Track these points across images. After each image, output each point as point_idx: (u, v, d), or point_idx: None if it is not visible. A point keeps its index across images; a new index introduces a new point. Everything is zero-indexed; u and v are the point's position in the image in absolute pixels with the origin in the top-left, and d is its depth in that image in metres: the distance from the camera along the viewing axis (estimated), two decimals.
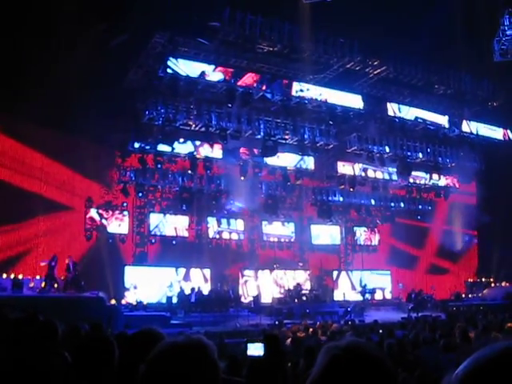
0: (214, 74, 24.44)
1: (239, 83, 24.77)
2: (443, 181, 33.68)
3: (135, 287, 24.85)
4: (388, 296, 31.82)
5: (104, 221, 26.00)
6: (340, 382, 1.41)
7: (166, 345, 1.80)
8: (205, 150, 27.22)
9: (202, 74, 23.99)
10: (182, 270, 26.91)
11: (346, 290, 30.82)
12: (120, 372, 2.99)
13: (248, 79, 25.12)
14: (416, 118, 30.02)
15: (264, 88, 25.37)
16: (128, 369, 2.75)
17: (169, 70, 23.20)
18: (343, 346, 1.48)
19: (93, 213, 25.89)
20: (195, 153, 26.99)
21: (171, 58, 23.24)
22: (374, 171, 31.37)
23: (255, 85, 25.18)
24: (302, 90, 26.34)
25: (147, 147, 25.59)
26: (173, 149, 26.30)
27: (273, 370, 4.68)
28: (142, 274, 25.83)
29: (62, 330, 4.74)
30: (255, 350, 4.04)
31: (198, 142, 26.98)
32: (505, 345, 1.08)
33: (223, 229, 29.31)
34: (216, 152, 27.47)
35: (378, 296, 30.93)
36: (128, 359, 2.88)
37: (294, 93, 26.24)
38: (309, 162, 30.08)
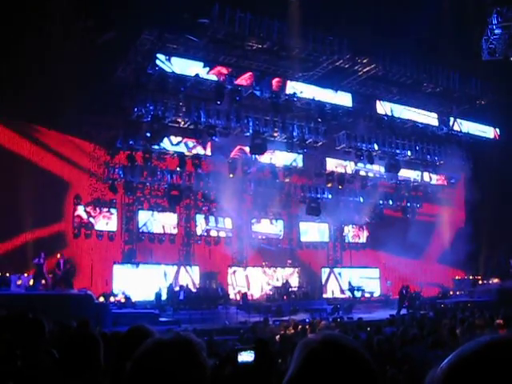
0: (208, 76, 24.48)
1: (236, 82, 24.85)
2: (432, 178, 33.83)
3: (123, 293, 24.50)
4: (376, 293, 31.90)
5: (91, 219, 25.89)
6: (319, 375, 1.39)
7: (153, 342, 1.79)
8: (194, 148, 27.17)
9: (196, 75, 24.00)
10: (171, 268, 26.88)
11: (334, 287, 30.92)
12: (109, 369, 2.98)
13: (242, 81, 25.16)
14: (405, 116, 30.19)
15: (253, 85, 25.38)
16: (117, 366, 2.74)
17: (162, 65, 23.13)
18: (319, 340, 1.47)
19: (80, 211, 25.75)
20: (184, 150, 26.94)
21: (161, 55, 23.23)
22: (364, 169, 31.51)
23: (250, 85, 25.25)
24: (295, 93, 26.42)
25: (135, 145, 25.51)
26: (160, 145, 26.22)
27: (262, 375, 4.68)
28: (131, 273, 25.75)
29: (50, 328, 4.72)
30: (246, 356, 4.03)
31: (186, 139, 26.90)
32: (489, 338, 1.09)
33: (211, 227, 29.27)
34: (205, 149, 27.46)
35: (366, 293, 31.01)
36: (119, 357, 2.87)
37: (288, 91, 26.29)
38: (298, 160, 30.14)
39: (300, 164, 30.28)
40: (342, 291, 30.83)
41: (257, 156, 27.53)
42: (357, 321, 16.37)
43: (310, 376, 1.41)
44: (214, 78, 24.63)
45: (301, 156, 29.90)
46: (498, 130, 33.09)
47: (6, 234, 22.99)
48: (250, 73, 25.35)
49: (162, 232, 27.96)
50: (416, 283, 30.04)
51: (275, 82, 26.23)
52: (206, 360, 1.79)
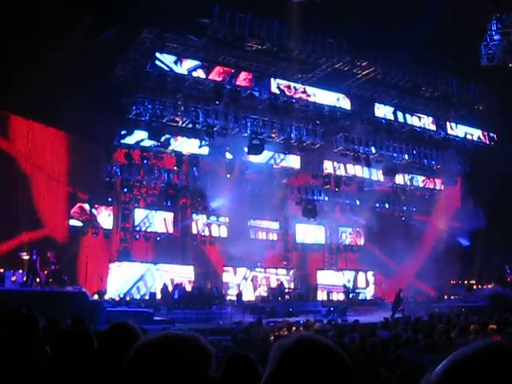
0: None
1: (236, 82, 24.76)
2: (428, 182, 33.90)
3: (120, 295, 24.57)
4: (371, 296, 31.91)
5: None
6: (294, 375, 1.37)
7: (160, 334, 1.76)
8: (191, 147, 27.13)
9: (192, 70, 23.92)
10: (166, 266, 26.83)
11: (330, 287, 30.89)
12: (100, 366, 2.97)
13: (242, 78, 25.10)
14: (403, 120, 30.22)
15: (252, 86, 25.38)
16: (98, 363, 2.72)
17: (159, 63, 23.09)
18: (293, 340, 1.46)
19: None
20: (181, 149, 26.91)
21: (162, 54, 23.21)
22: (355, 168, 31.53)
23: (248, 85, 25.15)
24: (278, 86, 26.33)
25: (133, 143, 25.51)
26: (158, 145, 26.18)
27: None
28: (125, 271, 25.71)
29: (43, 325, 4.70)
30: None
31: (184, 139, 26.87)
32: (483, 343, 1.09)
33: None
34: (202, 149, 27.41)
35: (361, 296, 31.04)
36: (101, 354, 2.85)
37: (273, 89, 26.22)
38: (295, 161, 30.10)
39: (297, 165, 30.27)
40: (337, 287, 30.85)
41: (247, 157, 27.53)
42: (352, 323, 16.33)
43: (285, 376, 1.40)
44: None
45: (298, 157, 29.89)
46: (494, 134, 33.14)
47: (3, 232, 22.90)
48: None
49: (160, 229, 27.94)
50: (411, 287, 30.08)
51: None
52: (211, 349, 1.75)
